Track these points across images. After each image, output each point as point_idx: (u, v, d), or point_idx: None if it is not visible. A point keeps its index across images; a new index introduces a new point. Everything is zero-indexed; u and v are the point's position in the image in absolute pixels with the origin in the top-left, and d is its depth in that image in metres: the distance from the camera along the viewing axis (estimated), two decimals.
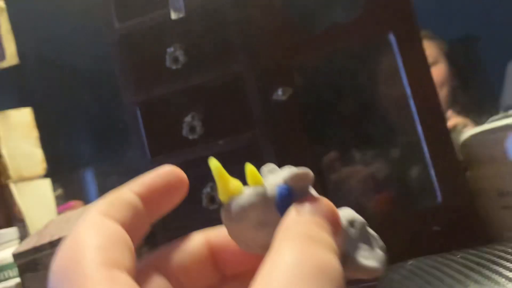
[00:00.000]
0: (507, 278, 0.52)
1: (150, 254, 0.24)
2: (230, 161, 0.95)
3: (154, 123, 0.92)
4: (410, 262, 0.63)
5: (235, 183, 0.23)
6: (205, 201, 0.86)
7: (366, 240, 0.25)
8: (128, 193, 0.22)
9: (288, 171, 0.23)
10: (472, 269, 0.56)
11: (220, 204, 0.24)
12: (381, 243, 0.25)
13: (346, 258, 0.23)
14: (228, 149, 0.86)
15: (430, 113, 0.84)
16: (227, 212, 0.23)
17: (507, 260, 0.55)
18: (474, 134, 0.93)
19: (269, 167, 0.25)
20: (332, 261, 0.18)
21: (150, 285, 0.22)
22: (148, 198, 0.22)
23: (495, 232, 0.87)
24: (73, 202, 1.33)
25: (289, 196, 0.22)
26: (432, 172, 0.83)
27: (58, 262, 0.18)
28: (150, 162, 0.93)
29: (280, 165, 0.26)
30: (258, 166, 0.25)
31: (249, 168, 0.22)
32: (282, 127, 0.87)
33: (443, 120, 0.84)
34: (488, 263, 0.56)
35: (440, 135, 0.82)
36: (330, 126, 0.95)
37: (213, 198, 0.87)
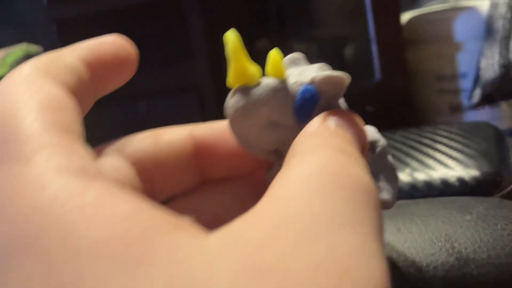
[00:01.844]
0: (448, 155, 0.49)
1: (112, 141, 0.20)
2: (145, 17, 0.84)
3: None
4: None
5: (253, 68, 0.19)
6: None
7: (383, 168, 0.21)
8: (71, 56, 0.18)
9: (319, 69, 0.19)
10: (413, 148, 0.52)
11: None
12: (396, 174, 0.22)
13: None
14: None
15: None
16: (235, 102, 0.19)
17: (450, 139, 0.52)
18: (421, 14, 0.87)
19: (294, 56, 0.20)
20: (367, 178, 0.14)
21: (110, 171, 0.19)
22: (95, 67, 0.18)
23: (427, 117, 0.85)
24: None
25: (313, 101, 0.19)
26: (375, 48, 0.76)
27: None
28: (45, 12, 0.76)
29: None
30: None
31: (274, 55, 0.19)
32: None
33: None
34: (430, 142, 0.53)
35: (388, 5, 0.74)
36: None
37: None
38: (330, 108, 0.18)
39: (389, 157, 0.22)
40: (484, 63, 0.71)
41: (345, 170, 0.14)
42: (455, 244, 0.26)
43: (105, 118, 0.99)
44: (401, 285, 0.24)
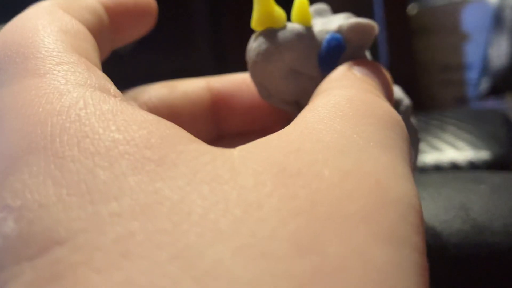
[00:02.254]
0: (457, 137, 0.49)
1: (131, 89, 0.20)
2: None
3: None
4: None
5: (278, 12, 0.17)
6: None
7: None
8: None
9: (346, 18, 0.18)
10: (423, 130, 0.52)
11: (252, 33, 0.18)
12: (418, 137, 0.21)
13: None
14: None
15: None
16: (258, 45, 0.18)
17: (460, 121, 0.51)
18: (429, 4, 0.87)
19: (319, 7, 0.20)
20: (396, 112, 0.14)
21: None
22: (114, 12, 0.18)
23: (432, 109, 0.85)
24: None
25: (339, 50, 0.18)
26: (382, 35, 0.75)
27: None
28: None
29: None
30: None
31: (300, 0, 0.18)
32: None
33: None
34: (439, 124, 0.52)
35: None
36: None
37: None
38: (357, 57, 0.18)
39: (412, 119, 0.21)
40: (492, 53, 0.71)
41: (374, 102, 0.13)
42: (470, 212, 0.26)
43: None
44: None
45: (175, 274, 0.08)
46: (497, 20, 0.73)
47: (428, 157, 0.46)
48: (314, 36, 0.18)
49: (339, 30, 0.18)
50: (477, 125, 0.50)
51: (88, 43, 0.14)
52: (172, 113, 0.20)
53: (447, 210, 0.25)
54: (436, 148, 0.47)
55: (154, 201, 0.09)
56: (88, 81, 0.12)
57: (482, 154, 0.44)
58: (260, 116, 0.21)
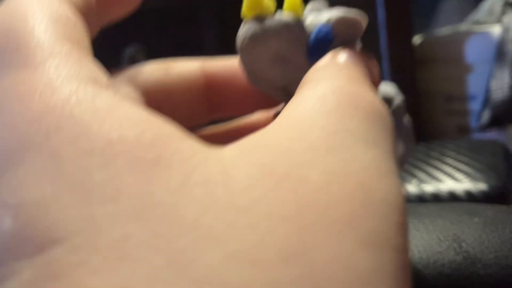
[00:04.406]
0: (456, 168, 0.50)
1: (123, 69, 0.20)
2: (160, 21, 0.85)
3: None
4: None
5: (268, 1, 0.18)
6: (126, 63, 0.75)
7: (396, 125, 0.20)
8: None
9: (337, 11, 0.19)
10: (421, 160, 0.52)
11: (241, 21, 0.19)
12: (411, 135, 0.22)
13: None
14: None
15: (396, 3, 0.76)
16: (246, 30, 0.18)
17: (459, 153, 0.52)
18: (433, 36, 0.89)
19: (317, 4, 0.20)
20: (380, 103, 0.14)
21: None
22: None
23: (435, 138, 0.85)
24: None
25: (327, 41, 0.18)
26: (386, 66, 0.76)
27: None
28: None
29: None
30: None
31: None
32: None
33: (407, 11, 0.77)
34: (438, 155, 0.53)
35: (401, 25, 0.75)
36: None
37: (134, 60, 0.75)
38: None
39: (406, 117, 0.21)
40: (494, 85, 0.72)
41: (359, 93, 0.14)
42: (463, 244, 0.27)
43: None
44: None
45: (170, 279, 0.08)
46: (500, 53, 0.74)
47: (428, 187, 0.47)
48: (303, 27, 0.18)
49: (328, 23, 0.18)
50: (476, 157, 0.51)
51: (79, 28, 0.14)
52: (166, 95, 0.20)
53: (440, 242, 0.26)
54: (436, 179, 0.48)
55: (149, 203, 0.09)
56: (80, 73, 0.12)
57: (480, 186, 0.45)
58: (252, 101, 0.21)
